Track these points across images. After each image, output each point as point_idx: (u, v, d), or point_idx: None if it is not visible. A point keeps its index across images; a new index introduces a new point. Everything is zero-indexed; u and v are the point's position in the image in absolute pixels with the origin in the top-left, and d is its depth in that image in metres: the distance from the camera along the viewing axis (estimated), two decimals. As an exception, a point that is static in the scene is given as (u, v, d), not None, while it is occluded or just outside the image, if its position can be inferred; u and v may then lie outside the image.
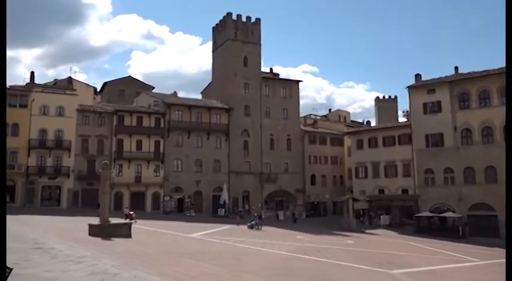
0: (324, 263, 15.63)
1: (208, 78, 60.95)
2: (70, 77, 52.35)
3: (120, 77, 63.31)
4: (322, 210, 56.69)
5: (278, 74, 61.74)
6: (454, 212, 41.87)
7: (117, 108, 46.67)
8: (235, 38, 52.98)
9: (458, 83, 44.22)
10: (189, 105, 49.26)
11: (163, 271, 9.48)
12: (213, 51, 57.18)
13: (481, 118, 41.97)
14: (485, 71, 43.69)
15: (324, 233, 34.21)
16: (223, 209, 45.57)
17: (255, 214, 39.53)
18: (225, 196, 46.01)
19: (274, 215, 49.23)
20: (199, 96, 63.05)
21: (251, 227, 32.32)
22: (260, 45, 54.60)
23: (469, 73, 45.59)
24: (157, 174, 46.36)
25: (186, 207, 46.32)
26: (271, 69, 62.51)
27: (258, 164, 51.55)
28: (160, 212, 44.53)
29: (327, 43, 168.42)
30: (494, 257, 25.67)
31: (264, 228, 32.67)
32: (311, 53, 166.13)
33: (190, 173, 47.73)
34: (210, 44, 58.51)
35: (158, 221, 33.68)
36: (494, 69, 42.94)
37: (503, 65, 43.00)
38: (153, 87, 62.92)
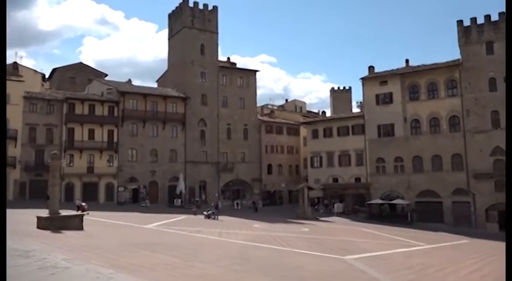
0: (280, 251, 15.91)
1: (164, 67, 59.82)
2: (15, 62, 49.38)
3: (71, 64, 60.67)
4: (278, 199, 57.58)
5: (235, 64, 61.49)
6: (403, 199, 43.88)
7: (68, 95, 44.81)
8: (191, 26, 52.09)
9: (408, 75, 46.01)
10: (144, 94, 48.12)
11: (117, 264, 9.29)
12: (169, 39, 55.98)
13: (429, 109, 43.99)
14: (433, 64, 45.70)
15: (280, 221, 34.78)
16: (179, 199, 45.25)
17: (212, 204, 39.54)
18: (181, 186, 45.65)
19: (231, 204, 49.47)
20: (155, 85, 61.72)
21: (208, 216, 32.33)
22: (217, 33, 54.04)
23: (418, 66, 47.51)
24: (111, 164, 45.14)
25: (141, 197, 45.55)
26: (228, 58, 62.14)
27: (214, 154, 51.39)
28: (114, 203, 43.48)
29: (285, 34, 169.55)
30: (438, 241, 27.21)
31: (220, 217, 32.77)
32: (269, 43, 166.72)
33: (146, 163, 46.85)
34: (166, 31, 57.25)
35: (112, 212, 32.90)
36: (442, 63, 45.06)
37: (450, 58, 45.24)
38: (106, 75, 60.85)
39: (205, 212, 33.33)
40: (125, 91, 47.36)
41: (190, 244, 15.57)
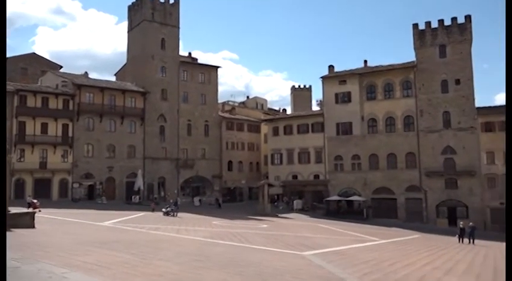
0: (239, 247, 15.93)
1: (123, 60, 58.26)
2: (-39, 51, 46.58)
3: (22, 54, 57.76)
4: (238, 195, 57.65)
5: (197, 59, 60.90)
6: (359, 195, 45.16)
7: (19, 87, 42.63)
8: (152, 19, 50.98)
9: (366, 75, 47.32)
10: (101, 87, 46.62)
11: (71, 263, 8.96)
12: (128, 32, 54.51)
13: (385, 109, 45.48)
14: (390, 65, 47.24)
15: (239, 218, 34.84)
16: (137, 196, 44.30)
17: (171, 201, 38.98)
18: (139, 183, 44.68)
19: (191, 201, 49.02)
20: (113, 79, 60.00)
21: (167, 213, 31.86)
22: (179, 28, 53.18)
23: (376, 66, 48.95)
24: (66, 160, 43.50)
25: (98, 194, 44.26)
26: (189, 53, 61.50)
27: (174, 150, 50.68)
28: (68, 200, 41.98)
29: (248, 31, 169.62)
30: (392, 237, 28.23)
31: (180, 214, 32.39)
32: (231, 40, 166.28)
33: (102, 158, 45.50)
34: (125, 23, 55.70)
35: (66, 209, 31.76)
36: (398, 64, 46.66)
37: (406, 60, 46.89)
38: (61, 67, 58.47)
39: (164, 209, 32.81)
40: (81, 84, 45.71)
41: (148, 242, 15.28)
